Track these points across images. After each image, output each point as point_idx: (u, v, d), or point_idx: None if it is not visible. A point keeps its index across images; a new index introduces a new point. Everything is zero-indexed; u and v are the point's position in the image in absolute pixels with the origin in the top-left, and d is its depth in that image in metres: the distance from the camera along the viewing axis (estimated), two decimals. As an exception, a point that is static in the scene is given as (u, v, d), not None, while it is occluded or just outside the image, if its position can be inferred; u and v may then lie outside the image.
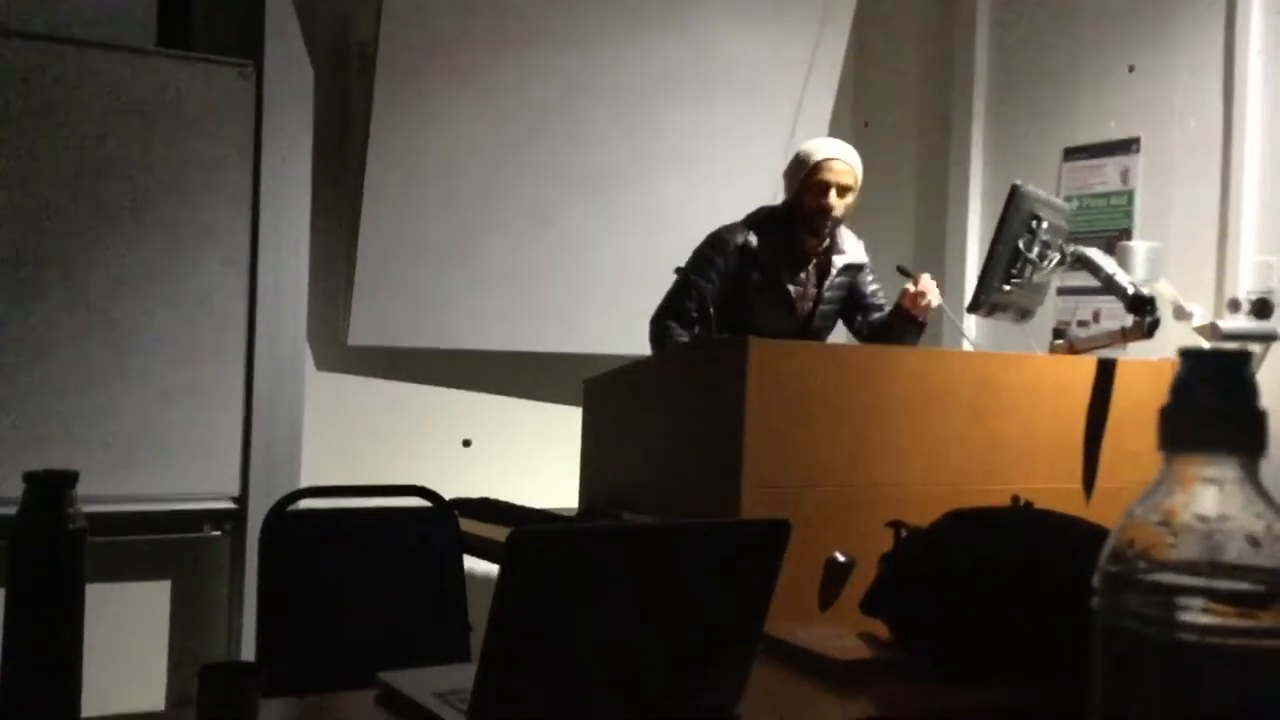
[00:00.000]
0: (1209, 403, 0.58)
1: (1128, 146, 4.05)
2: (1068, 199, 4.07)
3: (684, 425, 2.54)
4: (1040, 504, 1.89)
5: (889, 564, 1.82)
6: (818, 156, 3.23)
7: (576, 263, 4.26)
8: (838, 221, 3.25)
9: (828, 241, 3.30)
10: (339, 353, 4.13)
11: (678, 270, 3.22)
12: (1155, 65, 3.98)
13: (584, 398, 2.99)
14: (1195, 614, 0.56)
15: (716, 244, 3.24)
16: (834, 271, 3.32)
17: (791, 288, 3.28)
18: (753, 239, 3.23)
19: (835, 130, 4.61)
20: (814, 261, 3.31)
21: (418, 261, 4.06)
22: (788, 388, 2.32)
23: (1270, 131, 3.65)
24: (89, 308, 3.49)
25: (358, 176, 3.96)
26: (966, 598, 1.64)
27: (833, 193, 3.19)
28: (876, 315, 3.34)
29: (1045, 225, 2.85)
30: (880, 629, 1.79)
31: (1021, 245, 2.82)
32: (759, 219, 3.30)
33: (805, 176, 3.22)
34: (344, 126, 4.11)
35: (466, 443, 4.35)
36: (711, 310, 3.04)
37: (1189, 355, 0.59)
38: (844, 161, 3.23)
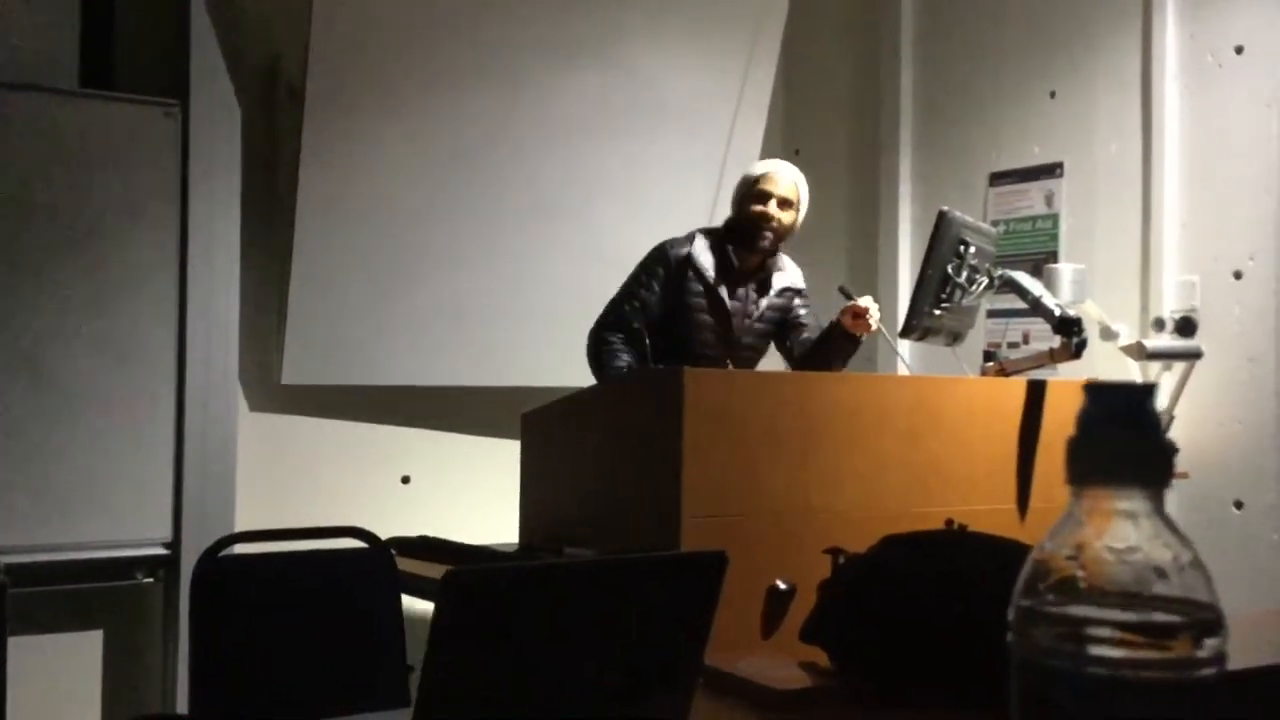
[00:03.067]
0: (1116, 436, 0.60)
1: (1051, 171, 4.13)
2: (994, 223, 4.14)
3: (622, 457, 2.54)
4: (976, 525, 1.91)
5: (827, 591, 1.83)
6: (759, 170, 3.37)
7: (511, 296, 4.25)
8: (779, 235, 3.31)
9: (767, 259, 3.35)
10: (272, 392, 4.08)
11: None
12: (1076, 92, 4.07)
13: (521, 431, 2.97)
14: (1106, 647, 0.57)
15: (659, 255, 3.33)
16: (773, 291, 3.37)
17: (730, 302, 3.32)
18: (694, 250, 3.30)
19: (766, 158, 4.66)
20: (754, 279, 3.36)
21: (350, 298, 4.02)
22: (724, 417, 2.33)
23: (1188, 154, 3.74)
24: (14, 351, 3.42)
25: (288, 214, 3.92)
26: (901, 623, 1.65)
27: (773, 202, 3.28)
28: (806, 335, 3.38)
29: (973, 250, 2.89)
30: (821, 657, 1.79)
31: (950, 270, 2.86)
32: (703, 233, 3.38)
33: (748, 188, 3.33)
34: (273, 164, 4.07)
35: (405, 479, 4.31)
36: (646, 336, 3.09)
37: (1093, 389, 0.60)
38: (785, 175, 3.33)
